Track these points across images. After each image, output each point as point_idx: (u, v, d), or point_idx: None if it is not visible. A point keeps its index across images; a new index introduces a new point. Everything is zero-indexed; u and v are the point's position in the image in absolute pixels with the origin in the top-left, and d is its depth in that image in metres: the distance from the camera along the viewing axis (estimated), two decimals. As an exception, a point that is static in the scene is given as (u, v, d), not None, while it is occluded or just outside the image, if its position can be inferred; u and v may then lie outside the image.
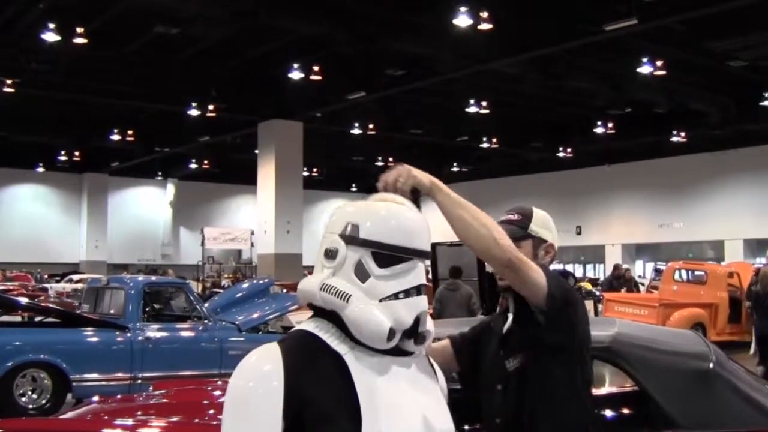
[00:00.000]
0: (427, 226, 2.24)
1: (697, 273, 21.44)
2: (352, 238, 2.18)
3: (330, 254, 2.20)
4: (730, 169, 33.32)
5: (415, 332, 2.19)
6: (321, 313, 2.22)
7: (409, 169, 2.52)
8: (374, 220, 2.19)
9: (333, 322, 2.18)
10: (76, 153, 36.32)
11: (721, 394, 4.02)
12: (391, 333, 2.11)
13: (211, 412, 5.17)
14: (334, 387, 2.09)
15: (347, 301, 2.12)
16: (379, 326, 2.09)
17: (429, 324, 2.23)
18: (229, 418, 2.10)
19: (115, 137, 30.81)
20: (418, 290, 2.18)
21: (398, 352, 2.20)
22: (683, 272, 21.75)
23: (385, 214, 2.22)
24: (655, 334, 4.53)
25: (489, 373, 2.95)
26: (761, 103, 24.16)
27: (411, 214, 2.25)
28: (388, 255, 2.16)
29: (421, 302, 2.19)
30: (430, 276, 15.11)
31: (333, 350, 2.14)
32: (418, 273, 2.19)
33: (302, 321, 2.29)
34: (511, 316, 2.92)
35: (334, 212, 2.29)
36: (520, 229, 3.00)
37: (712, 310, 19.65)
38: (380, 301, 2.13)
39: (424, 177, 2.55)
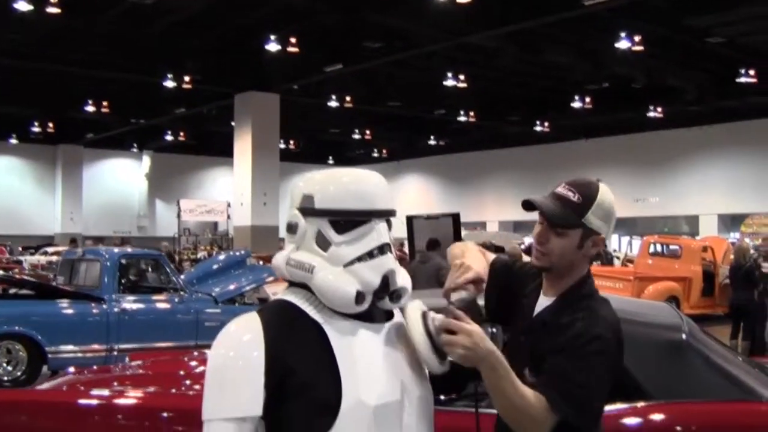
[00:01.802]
0: (384, 184, 2.24)
1: (671, 247, 21.63)
2: (308, 210, 2.20)
3: (291, 229, 2.23)
4: (706, 145, 33.51)
5: (387, 291, 2.20)
6: (296, 284, 2.24)
7: (475, 340, 2.17)
8: (326, 188, 2.20)
9: (310, 291, 2.20)
10: (50, 124, 35.97)
11: (694, 365, 4.06)
12: (360, 296, 2.12)
13: (188, 382, 5.17)
14: (314, 355, 2.11)
15: (312, 272, 2.14)
16: (346, 292, 2.11)
17: (403, 280, 2.24)
18: (211, 388, 2.11)
19: (90, 108, 30.51)
20: (381, 250, 2.18)
21: (375, 319, 2.22)
22: (658, 246, 21.91)
23: (338, 180, 2.23)
24: (629, 305, 4.56)
25: (510, 352, 2.63)
26: (738, 80, 24.23)
27: (364, 175, 2.25)
28: (345, 220, 2.17)
29: (387, 261, 2.19)
30: (406, 249, 15.21)
31: (312, 318, 2.16)
32: (379, 233, 2.19)
33: (280, 291, 2.30)
34: (546, 303, 2.62)
35: (295, 185, 2.29)
36: (574, 216, 2.52)
37: (686, 284, 19.87)
38: (344, 266, 2.14)
39: (475, 352, 2.18)
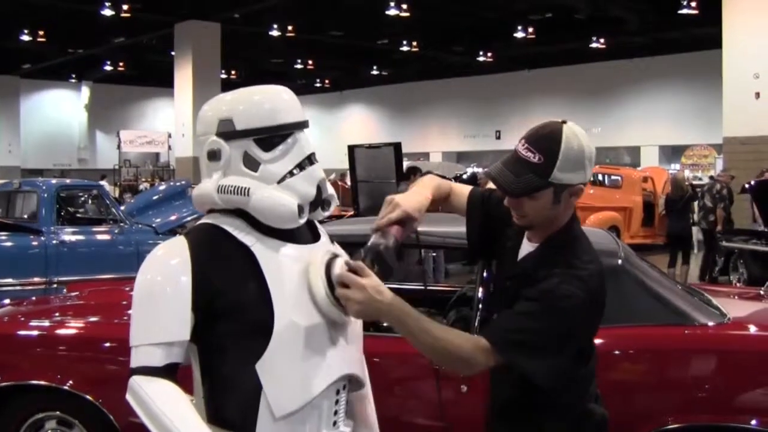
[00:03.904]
0: (293, 96, 2.24)
1: (613, 177, 21.84)
2: (229, 134, 2.17)
3: (214, 156, 2.19)
4: (647, 77, 33.71)
5: (319, 201, 2.23)
6: (216, 211, 2.23)
7: (368, 294, 2.12)
8: (244, 109, 2.18)
9: (236, 216, 2.19)
10: (-16, 55, 35.11)
11: (629, 290, 4.13)
12: (300, 209, 2.14)
13: (130, 312, 5.15)
14: (244, 276, 2.11)
15: (248, 194, 2.13)
16: (287, 206, 2.11)
17: (330, 189, 2.27)
18: (139, 313, 2.11)
19: (26, 38, 29.73)
20: (309, 160, 2.20)
21: (302, 240, 2.23)
22: (599, 176, 22.12)
23: (249, 99, 2.21)
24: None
25: (495, 294, 2.73)
26: (679, 11, 24.31)
27: (273, 91, 2.25)
28: (270, 137, 2.16)
29: (317, 171, 2.21)
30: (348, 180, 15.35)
31: (239, 241, 2.15)
32: (303, 144, 2.20)
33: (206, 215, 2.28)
34: (529, 249, 2.53)
35: (201, 113, 2.26)
36: (539, 179, 2.34)
37: (626, 214, 20.14)
38: (278, 183, 2.14)
39: (370, 306, 2.14)
